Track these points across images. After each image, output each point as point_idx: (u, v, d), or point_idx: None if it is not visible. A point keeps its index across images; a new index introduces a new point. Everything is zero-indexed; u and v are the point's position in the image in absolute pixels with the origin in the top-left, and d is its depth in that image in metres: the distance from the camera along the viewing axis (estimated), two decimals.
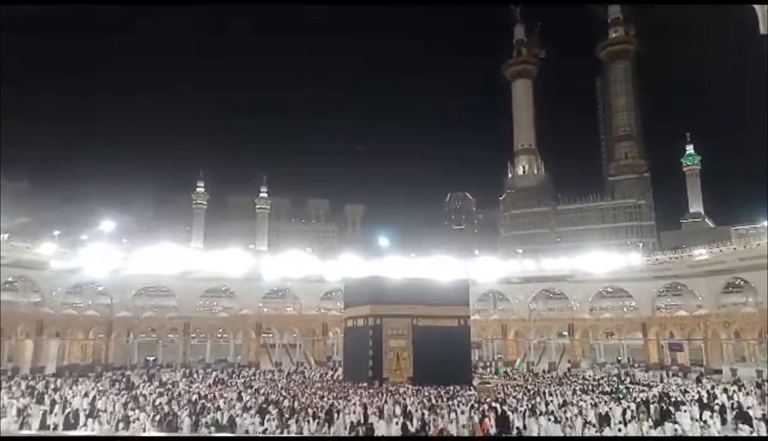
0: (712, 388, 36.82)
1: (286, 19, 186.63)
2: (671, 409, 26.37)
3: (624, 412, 25.28)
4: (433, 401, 29.73)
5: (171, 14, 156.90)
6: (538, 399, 30.73)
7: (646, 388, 38.45)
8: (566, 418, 23.36)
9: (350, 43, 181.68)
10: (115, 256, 64.72)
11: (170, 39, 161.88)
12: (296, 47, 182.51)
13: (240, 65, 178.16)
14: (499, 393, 34.50)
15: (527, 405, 27.87)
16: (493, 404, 27.77)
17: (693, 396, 32.55)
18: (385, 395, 31.84)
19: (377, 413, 25.51)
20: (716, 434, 21.58)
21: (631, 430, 21.39)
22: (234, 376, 50.64)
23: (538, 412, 24.83)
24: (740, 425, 22.67)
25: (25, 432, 20.63)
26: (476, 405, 27.67)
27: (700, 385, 41.44)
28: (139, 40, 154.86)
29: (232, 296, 74.16)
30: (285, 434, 20.73)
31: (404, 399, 30.26)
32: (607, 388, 38.38)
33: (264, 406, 27.09)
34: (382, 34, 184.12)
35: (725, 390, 35.62)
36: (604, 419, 23.60)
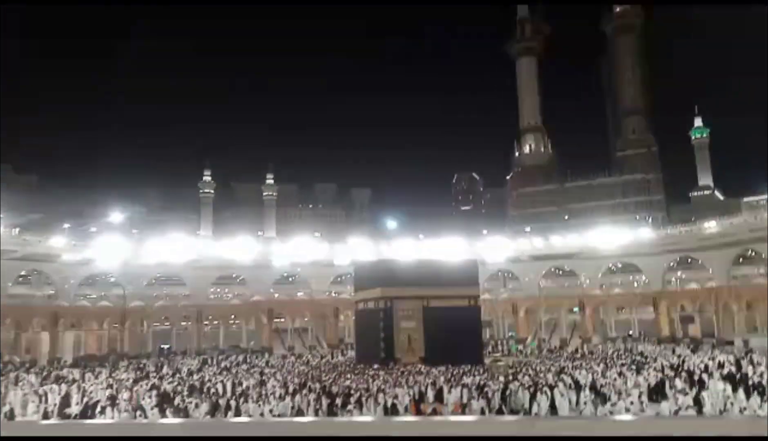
0: (737, 361, 36.47)
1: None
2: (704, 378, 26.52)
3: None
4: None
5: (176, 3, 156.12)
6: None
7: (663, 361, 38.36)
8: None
9: (355, 24, 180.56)
10: (126, 247, 65.25)
11: (175, 29, 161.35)
12: (301, 29, 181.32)
13: (243, 50, 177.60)
14: (519, 371, 34.46)
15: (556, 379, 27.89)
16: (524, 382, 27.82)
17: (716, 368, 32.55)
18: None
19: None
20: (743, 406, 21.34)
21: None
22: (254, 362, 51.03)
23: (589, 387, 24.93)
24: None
25: (43, 422, 21.01)
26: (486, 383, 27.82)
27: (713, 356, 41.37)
28: (144, 30, 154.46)
29: (243, 283, 74.67)
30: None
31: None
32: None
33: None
34: (388, 16, 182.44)
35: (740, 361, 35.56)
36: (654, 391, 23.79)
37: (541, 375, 30.48)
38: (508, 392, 24.78)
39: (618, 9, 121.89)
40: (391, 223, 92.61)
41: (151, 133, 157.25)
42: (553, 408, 22.47)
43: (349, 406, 22.83)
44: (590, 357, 46.01)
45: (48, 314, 58.30)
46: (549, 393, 23.72)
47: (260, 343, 67.93)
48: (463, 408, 22.66)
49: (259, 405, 24.10)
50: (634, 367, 34.62)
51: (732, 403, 21.63)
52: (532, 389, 24.76)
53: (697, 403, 20.94)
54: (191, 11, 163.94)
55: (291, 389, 27.66)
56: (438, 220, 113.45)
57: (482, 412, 21.57)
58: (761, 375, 28.12)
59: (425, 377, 31.33)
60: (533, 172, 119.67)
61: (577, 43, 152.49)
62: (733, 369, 32.15)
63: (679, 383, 25.97)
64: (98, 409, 24.11)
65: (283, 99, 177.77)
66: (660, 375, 28.95)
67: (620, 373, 30.46)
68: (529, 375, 30.99)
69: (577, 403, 23.03)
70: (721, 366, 33.51)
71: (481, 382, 28.04)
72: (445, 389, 26.34)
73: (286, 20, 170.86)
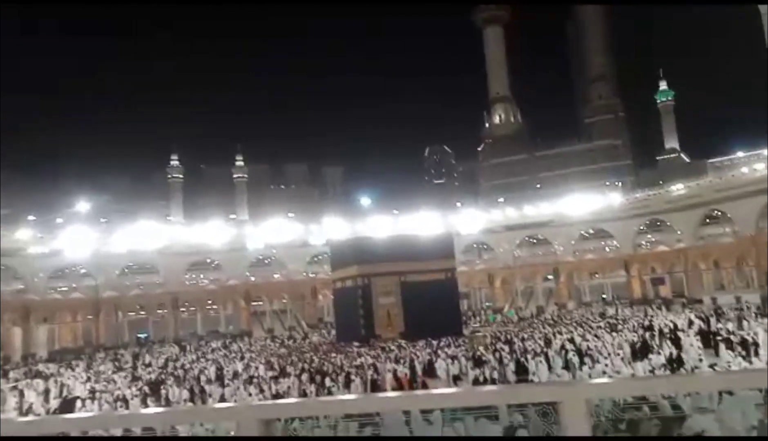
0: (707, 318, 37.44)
1: None
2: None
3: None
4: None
5: None
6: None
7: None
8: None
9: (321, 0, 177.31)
10: (95, 237, 63.91)
11: (139, 15, 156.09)
12: (266, 9, 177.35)
13: (207, 31, 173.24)
14: (500, 339, 34.98)
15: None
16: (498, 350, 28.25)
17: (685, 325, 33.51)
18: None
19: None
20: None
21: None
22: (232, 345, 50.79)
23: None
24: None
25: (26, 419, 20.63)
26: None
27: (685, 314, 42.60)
28: (107, 10, 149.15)
29: (218, 268, 73.93)
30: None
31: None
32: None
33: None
34: None
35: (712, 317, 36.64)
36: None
37: (525, 343, 30.94)
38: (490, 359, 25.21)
39: None
40: (365, 200, 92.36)
41: (115, 119, 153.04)
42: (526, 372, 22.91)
43: (336, 385, 22.95)
44: (566, 322, 46.97)
45: (18, 309, 56.98)
46: (543, 360, 24.16)
47: (239, 326, 67.64)
48: (455, 379, 23.02)
49: (244, 389, 24.07)
50: (609, 329, 35.48)
51: (702, 359, 22.30)
52: (519, 356, 25.23)
53: (674, 361, 21.56)
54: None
55: (274, 372, 27.66)
56: (411, 194, 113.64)
57: (476, 381, 21.90)
58: (729, 331, 29.09)
59: (408, 351, 31.61)
60: (504, 142, 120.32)
61: (544, 10, 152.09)
62: (704, 326, 33.20)
63: (655, 343, 26.71)
64: (78, 402, 23.79)
65: (250, 79, 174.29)
66: (635, 336, 29.71)
67: (596, 336, 31.19)
68: (510, 343, 31.49)
69: (550, 368, 23.43)
70: (691, 324, 34.55)
71: (466, 354, 28.44)
72: (434, 362, 26.71)
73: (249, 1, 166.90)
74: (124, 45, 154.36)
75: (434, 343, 35.20)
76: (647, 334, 30.14)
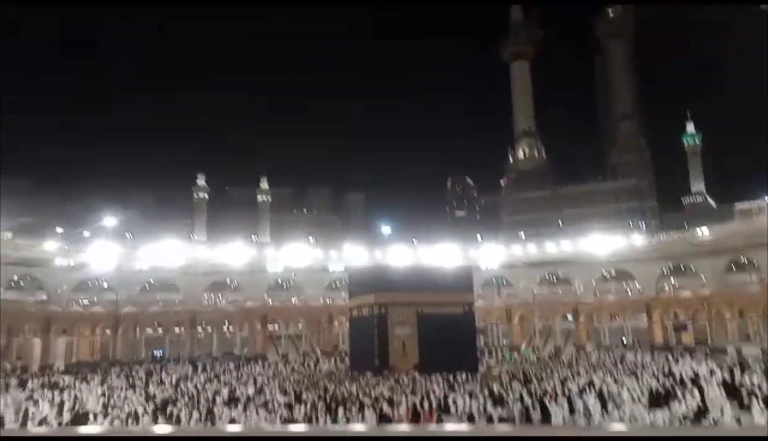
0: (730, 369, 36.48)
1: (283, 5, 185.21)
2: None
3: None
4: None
5: (167, 12, 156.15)
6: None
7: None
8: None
9: (348, 26, 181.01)
10: (119, 252, 64.97)
11: (168, 32, 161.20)
12: (294, 33, 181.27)
13: (236, 53, 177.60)
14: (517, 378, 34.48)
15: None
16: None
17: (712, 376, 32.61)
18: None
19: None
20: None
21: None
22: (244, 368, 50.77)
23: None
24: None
25: (34, 429, 20.84)
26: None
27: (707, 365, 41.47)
28: (137, 35, 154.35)
29: (237, 289, 74.39)
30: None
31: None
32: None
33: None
34: (380, 18, 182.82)
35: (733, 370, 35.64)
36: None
37: (543, 383, 30.42)
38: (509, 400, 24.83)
39: (610, 14, 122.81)
40: (386, 228, 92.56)
41: (146, 137, 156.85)
42: (547, 414, 22.47)
43: (347, 414, 22.78)
44: (585, 364, 46.03)
45: (40, 320, 57.85)
46: (554, 402, 23.73)
47: (254, 349, 67.60)
48: (470, 417, 22.69)
49: (256, 413, 24.00)
50: (629, 374, 34.69)
51: (725, 412, 21.66)
52: (535, 397, 24.80)
53: (697, 412, 21.00)
54: (183, 12, 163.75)
55: (287, 398, 27.56)
56: (432, 225, 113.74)
57: (490, 420, 21.58)
58: (757, 385, 28.20)
59: (422, 385, 31.25)
60: (528, 177, 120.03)
61: (571, 47, 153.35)
62: (727, 377, 32.26)
63: (677, 391, 26.03)
64: (91, 416, 23.95)
65: (278, 103, 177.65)
66: (656, 383, 29.01)
67: (615, 380, 30.51)
68: (528, 383, 30.98)
69: (572, 411, 22.98)
70: (713, 373, 33.60)
71: (482, 390, 28.05)
72: (447, 397, 26.36)
73: (278, 24, 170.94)
74: (156, 67, 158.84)
75: (451, 377, 34.73)
76: (668, 382, 29.43)
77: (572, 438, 2.25)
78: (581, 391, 26.36)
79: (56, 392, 32.30)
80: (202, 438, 2.88)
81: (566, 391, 26.56)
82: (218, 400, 28.23)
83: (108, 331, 63.53)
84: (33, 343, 57.97)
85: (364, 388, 30.39)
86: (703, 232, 67.62)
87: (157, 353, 65.49)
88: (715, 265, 65.63)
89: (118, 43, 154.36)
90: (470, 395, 26.36)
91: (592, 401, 23.68)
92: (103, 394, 30.84)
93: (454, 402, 25.66)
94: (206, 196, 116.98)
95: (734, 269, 67.46)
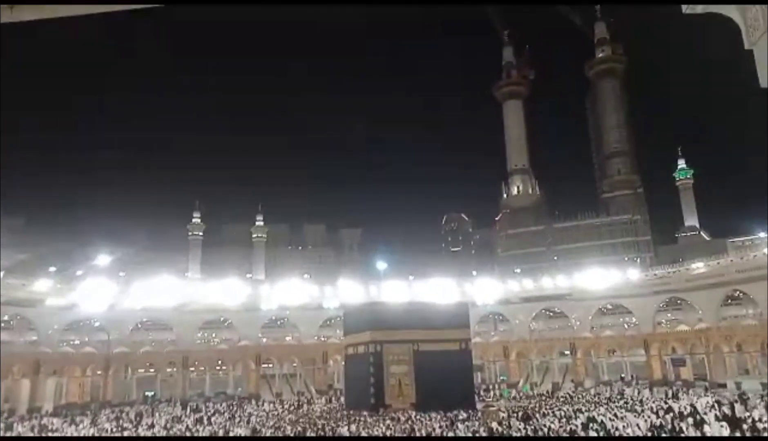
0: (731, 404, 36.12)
1: (281, 40, 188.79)
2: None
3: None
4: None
5: (163, 48, 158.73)
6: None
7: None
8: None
9: (345, 65, 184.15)
10: (112, 291, 64.34)
11: (165, 71, 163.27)
12: (292, 70, 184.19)
13: (232, 89, 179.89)
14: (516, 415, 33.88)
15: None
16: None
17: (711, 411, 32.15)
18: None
19: None
20: None
21: None
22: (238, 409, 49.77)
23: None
24: None
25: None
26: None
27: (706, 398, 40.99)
28: (134, 71, 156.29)
29: (230, 327, 73.53)
30: None
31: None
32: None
33: None
34: (374, 55, 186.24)
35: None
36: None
37: (544, 420, 29.92)
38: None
39: (600, 54, 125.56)
40: (381, 264, 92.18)
41: (140, 174, 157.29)
42: None
43: None
44: (584, 400, 45.38)
45: (30, 361, 56.75)
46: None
47: (247, 389, 66.41)
48: None
49: None
50: (628, 410, 34.20)
51: None
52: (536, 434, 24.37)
53: None
54: (177, 53, 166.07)
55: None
56: (428, 260, 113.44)
57: None
58: (759, 419, 27.81)
59: (419, 424, 30.67)
60: (521, 213, 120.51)
61: (562, 86, 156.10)
62: (728, 412, 31.81)
63: (678, 427, 25.64)
64: None
65: (272, 140, 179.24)
66: (656, 418, 28.57)
67: (616, 416, 30.09)
68: (528, 420, 30.44)
69: None
70: (713, 408, 33.17)
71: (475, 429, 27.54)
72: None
73: (273, 62, 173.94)
74: (151, 104, 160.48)
75: (450, 415, 34.13)
76: (668, 417, 29.00)
77: None
78: (584, 427, 25.93)
79: (45, 435, 31.49)
80: None
81: (568, 428, 26.13)
82: None
83: (99, 372, 62.32)
84: (21, 385, 56.75)
85: (362, 428, 29.77)
86: (698, 265, 67.80)
87: (149, 394, 64.21)
88: (711, 299, 65.56)
89: (112, 80, 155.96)
90: (472, 434, 25.90)
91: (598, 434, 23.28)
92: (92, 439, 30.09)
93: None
94: (201, 234, 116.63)
95: (730, 303, 67.37)
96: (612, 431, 24.30)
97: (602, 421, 27.37)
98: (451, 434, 26.12)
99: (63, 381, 60.86)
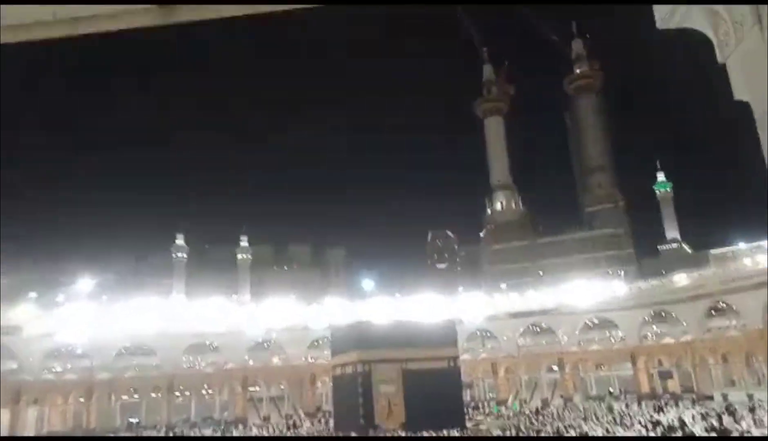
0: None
1: (265, 57, 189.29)
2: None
3: None
4: None
5: (146, 69, 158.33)
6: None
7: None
8: None
9: (329, 84, 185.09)
10: (94, 316, 63.25)
11: (146, 93, 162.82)
12: (274, 88, 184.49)
13: (215, 110, 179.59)
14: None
15: None
16: None
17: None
18: None
19: None
20: None
21: None
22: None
23: None
24: None
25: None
26: None
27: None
28: (116, 93, 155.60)
29: (216, 350, 72.49)
30: None
31: None
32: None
33: None
34: (356, 72, 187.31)
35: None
36: None
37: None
38: None
39: (578, 70, 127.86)
40: (367, 283, 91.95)
41: (122, 197, 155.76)
42: None
43: None
44: (574, 416, 45.43)
45: (9, 390, 55.39)
46: None
47: (234, 413, 65.41)
48: None
49: None
50: (617, 424, 34.31)
51: None
52: None
53: None
54: (158, 77, 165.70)
55: None
56: (414, 278, 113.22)
57: None
58: (746, 430, 28.07)
59: None
60: (506, 228, 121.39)
61: (543, 102, 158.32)
62: (716, 423, 32.04)
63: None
64: None
65: (255, 160, 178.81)
66: (646, 432, 28.70)
67: (607, 431, 30.18)
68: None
69: None
70: (702, 420, 33.44)
71: None
72: None
73: (258, 83, 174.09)
74: (135, 126, 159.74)
75: (442, 434, 33.93)
76: (659, 431, 29.14)
77: None
78: None
79: None
80: None
81: None
82: None
83: (81, 399, 61.04)
84: (1, 415, 55.34)
85: None
86: (681, 278, 68.58)
87: (133, 420, 62.94)
88: (695, 310, 66.21)
89: (96, 103, 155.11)
90: None
91: None
92: None
93: None
94: (185, 256, 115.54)
95: (714, 314, 68.13)
96: None
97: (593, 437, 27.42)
98: None
99: (44, 409, 59.50)
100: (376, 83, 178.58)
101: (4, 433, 53.77)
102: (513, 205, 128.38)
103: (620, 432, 28.91)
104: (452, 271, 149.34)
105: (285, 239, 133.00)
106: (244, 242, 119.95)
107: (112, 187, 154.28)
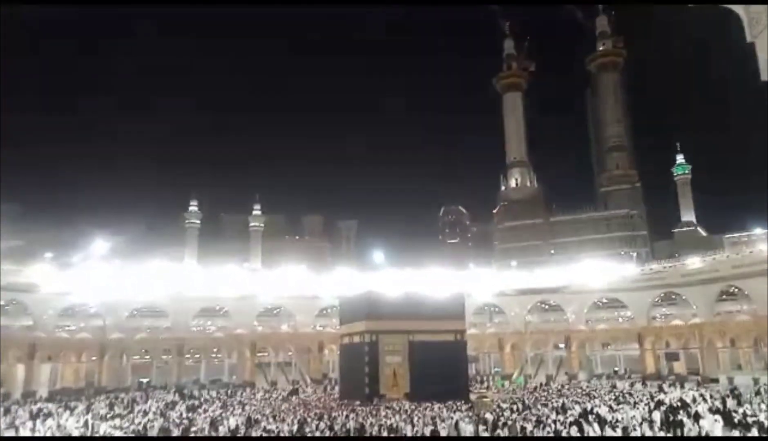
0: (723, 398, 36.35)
1: (282, 30, 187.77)
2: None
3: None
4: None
5: (166, 33, 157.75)
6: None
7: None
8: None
9: (346, 60, 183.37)
10: (108, 278, 64.27)
11: (164, 58, 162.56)
12: (292, 62, 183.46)
13: (233, 81, 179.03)
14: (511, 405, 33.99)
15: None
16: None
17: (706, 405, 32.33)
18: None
19: None
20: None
21: None
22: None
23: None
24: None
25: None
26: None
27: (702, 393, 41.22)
28: (133, 58, 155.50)
29: (226, 315, 73.59)
30: None
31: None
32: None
33: None
34: (374, 49, 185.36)
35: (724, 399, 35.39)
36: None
37: (537, 412, 30.05)
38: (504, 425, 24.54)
39: (600, 47, 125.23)
40: (378, 255, 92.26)
41: (138, 163, 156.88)
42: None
43: None
44: (577, 393, 45.57)
45: (25, 346, 56.80)
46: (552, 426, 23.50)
47: (242, 377, 66.60)
48: None
49: None
50: (620, 403, 34.38)
51: None
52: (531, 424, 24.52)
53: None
54: (180, 44, 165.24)
55: (280, 428, 27.03)
56: (425, 252, 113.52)
57: None
58: (750, 414, 27.95)
59: (414, 413, 30.73)
60: (519, 206, 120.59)
61: (562, 79, 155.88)
62: (720, 406, 31.97)
63: (669, 419, 25.77)
64: None
65: (271, 130, 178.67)
66: (648, 411, 28.70)
67: (610, 408, 30.26)
68: (521, 411, 30.58)
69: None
70: (705, 403, 33.36)
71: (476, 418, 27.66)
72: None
73: (271, 54, 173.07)
74: (152, 92, 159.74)
75: (454, 405, 34.28)
76: (660, 411, 29.14)
77: None
78: (577, 421, 26.02)
79: (38, 421, 31.52)
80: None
81: (561, 420, 26.21)
82: (204, 428, 27.62)
83: (94, 358, 62.40)
84: (16, 370, 56.83)
85: (359, 416, 29.80)
86: (693, 261, 67.97)
87: (144, 380, 64.34)
88: (706, 294, 65.74)
89: (110, 69, 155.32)
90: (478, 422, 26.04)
91: (589, 430, 23.38)
92: (86, 424, 30.11)
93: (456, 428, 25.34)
94: (198, 223, 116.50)
95: (725, 298, 67.62)
96: (612, 421, 24.41)
97: (598, 413, 27.52)
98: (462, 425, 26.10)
99: (58, 366, 60.96)
100: (394, 58, 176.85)
101: (19, 388, 55.26)
102: (528, 183, 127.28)
103: (623, 412, 28.94)
104: (463, 246, 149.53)
105: (298, 209, 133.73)
106: (257, 211, 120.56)
107: (128, 151, 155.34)
